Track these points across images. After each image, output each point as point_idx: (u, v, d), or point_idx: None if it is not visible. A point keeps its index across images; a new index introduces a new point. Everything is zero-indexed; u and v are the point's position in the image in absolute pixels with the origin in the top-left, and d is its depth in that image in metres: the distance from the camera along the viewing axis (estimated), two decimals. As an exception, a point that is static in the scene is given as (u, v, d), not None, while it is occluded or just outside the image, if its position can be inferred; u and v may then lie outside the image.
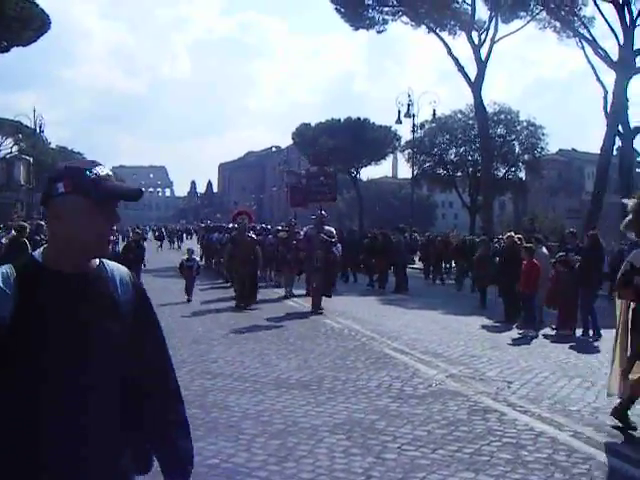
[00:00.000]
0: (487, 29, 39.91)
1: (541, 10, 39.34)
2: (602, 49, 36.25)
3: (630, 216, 7.12)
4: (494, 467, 5.75)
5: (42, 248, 2.17)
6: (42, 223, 18.06)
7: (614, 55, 35.22)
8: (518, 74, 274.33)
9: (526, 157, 49.90)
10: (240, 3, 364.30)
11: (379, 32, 43.60)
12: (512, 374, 9.57)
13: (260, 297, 17.87)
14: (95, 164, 2.15)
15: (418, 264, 33.68)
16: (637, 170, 42.36)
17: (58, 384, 2.02)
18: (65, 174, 2.09)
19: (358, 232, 34.58)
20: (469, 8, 40.17)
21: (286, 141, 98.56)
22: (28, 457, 1.99)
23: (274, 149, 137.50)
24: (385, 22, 42.90)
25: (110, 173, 2.17)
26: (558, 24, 39.95)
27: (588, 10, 37.91)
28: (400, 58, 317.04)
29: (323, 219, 17.46)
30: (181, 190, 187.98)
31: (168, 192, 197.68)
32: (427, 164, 51.12)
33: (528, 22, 40.30)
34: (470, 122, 47.75)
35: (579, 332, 13.32)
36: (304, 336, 12.63)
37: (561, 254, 14.81)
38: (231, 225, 28.14)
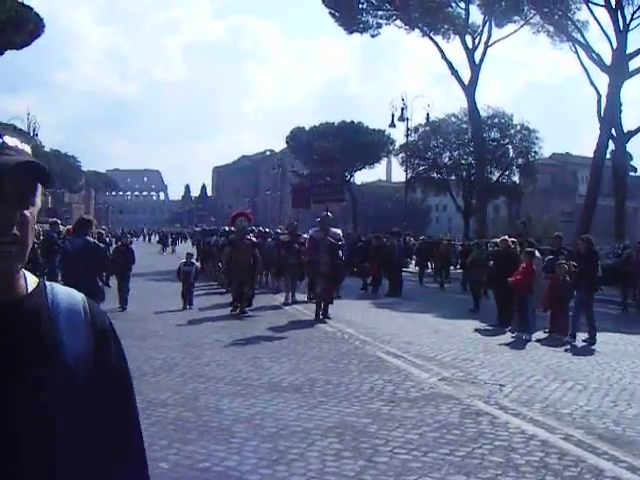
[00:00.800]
0: (481, 33, 40.14)
1: (535, 14, 39.48)
2: (595, 53, 36.41)
3: None
4: (485, 470, 5.75)
5: None
6: (36, 227, 18.02)
7: (607, 59, 35.38)
8: (512, 78, 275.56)
9: (520, 161, 50.01)
10: (233, 6, 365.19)
11: (373, 36, 43.78)
12: (504, 377, 9.58)
13: (259, 304, 17.47)
14: None
15: (412, 268, 33.72)
16: (630, 174, 42.49)
17: None
18: None
19: (354, 235, 34.21)
20: (463, 12, 40.40)
21: (280, 145, 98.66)
22: None
23: (268, 153, 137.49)
24: (379, 26, 43.06)
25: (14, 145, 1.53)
26: (552, 28, 40.09)
27: (581, 14, 38.12)
28: (394, 62, 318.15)
29: (329, 221, 16.52)
30: (175, 194, 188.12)
31: (162, 196, 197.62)
32: (421, 168, 51.19)
33: (522, 26, 40.49)
34: (464, 126, 47.86)
35: (584, 336, 13.22)
36: (297, 339, 12.62)
37: (550, 257, 14.85)
38: (227, 228, 28.10)
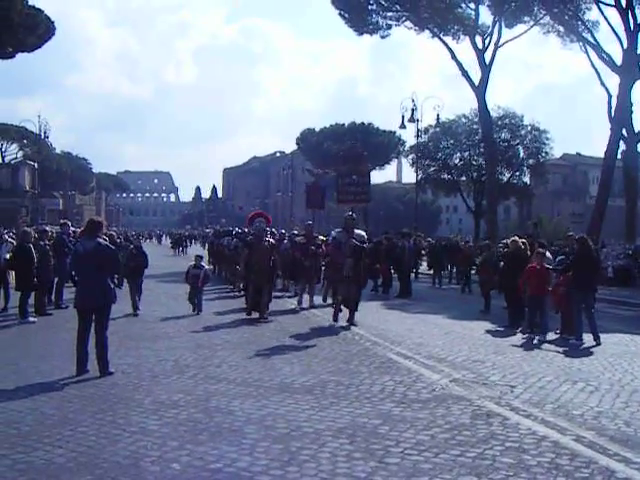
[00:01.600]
0: (491, 34, 40.08)
1: (545, 15, 39.44)
2: (606, 53, 36.35)
3: None
4: (497, 471, 5.75)
5: None
6: (47, 229, 18.09)
7: (618, 59, 35.29)
8: (522, 78, 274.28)
9: (530, 161, 49.90)
10: (244, 9, 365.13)
11: (383, 37, 43.78)
12: (515, 378, 9.57)
13: (272, 307, 16.42)
14: None
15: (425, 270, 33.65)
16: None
17: None
18: None
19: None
20: (473, 13, 40.36)
21: (290, 146, 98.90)
22: None
23: (278, 154, 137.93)
24: (389, 27, 43.09)
25: None
26: (562, 28, 40.06)
27: (592, 14, 38.12)
28: (404, 63, 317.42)
29: (353, 222, 15.39)
30: (186, 195, 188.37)
31: (173, 197, 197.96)
32: (431, 169, 51.13)
33: (532, 27, 40.48)
34: (474, 126, 47.81)
35: (586, 337, 13.16)
36: (307, 341, 12.62)
37: (561, 258, 14.78)
38: (239, 229, 27.77)
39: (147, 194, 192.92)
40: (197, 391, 8.49)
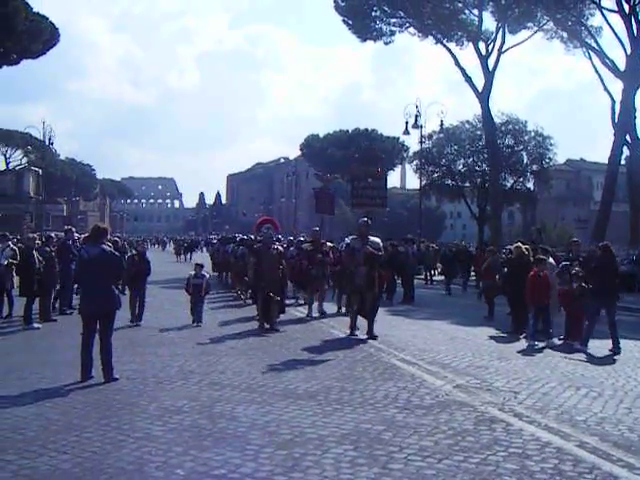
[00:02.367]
0: (494, 39, 40.16)
1: (548, 20, 39.52)
2: (609, 59, 36.41)
3: None
4: (500, 477, 5.77)
5: None
6: (52, 235, 18.13)
7: (621, 65, 35.32)
8: (525, 84, 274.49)
9: (534, 167, 49.86)
10: (248, 15, 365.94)
11: (386, 43, 43.96)
12: (519, 384, 9.57)
13: (282, 317, 15.82)
14: None
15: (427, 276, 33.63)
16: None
17: None
18: None
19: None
20: (476, 19, 40.41)
21: (294, 152, 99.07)
22: None
23: (282, 160, 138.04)
24: (392, 33, 43.21)
25: None
26: (565, 34, 40.15)
27: (595, 20, 38.24)
28: (407, 69, 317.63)
29: (369, 228, 14.48)
30: (190, 201, 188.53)
31: (177, 204, 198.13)
32: (435, 175, 51.13)
33: (535, 32, 40.55)
34: (478, 132, 47.81)
35: (597, 344, 13.12)
36: (311, 347, 12.64)
37: (564, 264, 14.76)
38: (242, 236, 27.37)
39: (151, 200, 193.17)
40: (201, 397, 8.51)
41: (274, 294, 14.82)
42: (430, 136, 48.92)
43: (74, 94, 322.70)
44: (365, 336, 13.90)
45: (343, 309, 17.15)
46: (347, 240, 15.28)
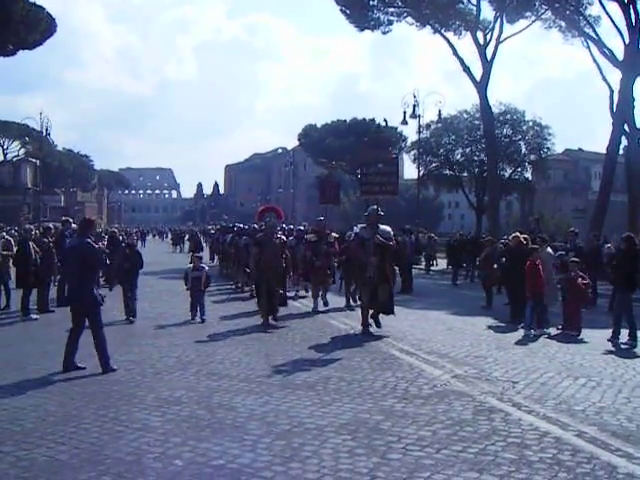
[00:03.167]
0: (492, 29, 39.94)
1: (546, 10, 39.34)
2: (607, 48, 36.23)
3: None
4: (498, 467, 5.77)
5: None
6: (50, 226, 18.09)
7: (620, 54, 35.20)
8: (524, 74, 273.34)
9: (532, 157, 49.78)
10: (246, 5, 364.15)
11: (384, 33, 43.64)
12: (517, 374, 9.58)
13: (283, 310, 15.20)
14: None
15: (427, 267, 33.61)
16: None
17: None
18: None
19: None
20: (474, 8, 40.21)
21: (292, 142, 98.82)
22: None
23: (280, 150, 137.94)
24: (390, 23, 42.94)
25: None
26: (563, 23, 39.95)
27: (593, 9, 37.95)
28: (405, 59, 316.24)
29: (378, 217, 13.64)
30: (188, 192, 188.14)
31: (175, 194, 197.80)
32: (433, 165, 51.04)
33: (533, 22, 40.30)
34: (476, 122, 47.69)
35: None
36: (310, 337, 12.64)
37: (560, 253, 14.73)
38: (243, 225, 26.80)
39: (149, 191, 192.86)
40: (200, 387, 8.52)
41: (276, 284, 14.32)
42: (428, 126, 48.79)
43: (71, 85, 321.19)
44: (374, 329, 13.26)
45: (352, 302, 16.92)
46: (356, 229, 14.51)
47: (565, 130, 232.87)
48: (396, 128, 57.21)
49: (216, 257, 31.56)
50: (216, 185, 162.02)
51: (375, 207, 14.05)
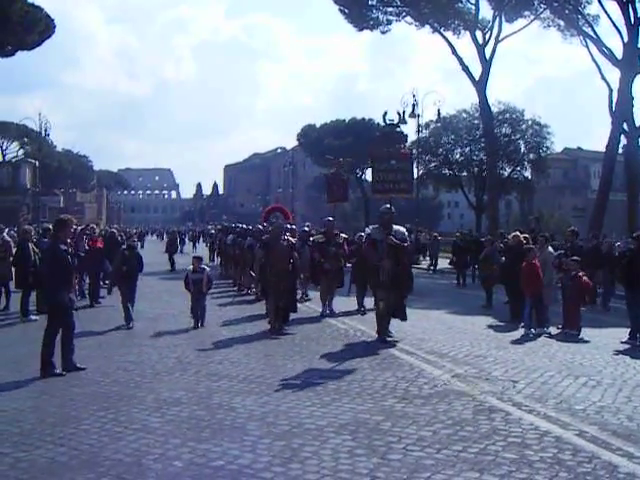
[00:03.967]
0: (491, 28, 40.02)
1: (545, 9, 39.39)
2: (606, 47, 36.27)
3: None
4: (499, 467, 5.75)
5: None
6: (50, 227, 18.06)
7: (619, 53, 35.22)
8: (522, 73, 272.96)
9: (531, 156, 49.91)
10: (244, 5, 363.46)
11: (383, 32, 43.70)
12: (518, 374, 9.56)
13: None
14: None
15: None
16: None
17: None
18: None
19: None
20: (473, 7, 40.30)
21: (291, 142, 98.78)
22: None
23: (279, 150, 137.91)
24: (389, 22, 43.02)
25: None
26: (562, 23, 40.01)
27: (592, 8, 38.03)
28: (404, 58, 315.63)
29: (391, 217, 12.90)
30: (187, 192, 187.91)
31: (174, 194, 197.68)
32: (432, 164, 51.15)
33: (532, 21, 40.40)
34: (475, 122, 47.81)
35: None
36: (309, 337, 12.63)
37: (559, 252, 14.71)
38: (242, 225, 26.44)
39: (148, 191, 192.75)
40: (199, 388, 8.50)
41: (283, 288, 13.40)
42: (427, 125, 48.91)
43: (70, 85, 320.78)
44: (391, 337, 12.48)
45: (364, 307, 16.10)
46: (368, 230, 13.64)
47: (564, 129, 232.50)
48: (398, 125, 57.20)
49: (217, 258, 31.49)
50: (215, 185, 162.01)
51: (388, 206, 13.40)
